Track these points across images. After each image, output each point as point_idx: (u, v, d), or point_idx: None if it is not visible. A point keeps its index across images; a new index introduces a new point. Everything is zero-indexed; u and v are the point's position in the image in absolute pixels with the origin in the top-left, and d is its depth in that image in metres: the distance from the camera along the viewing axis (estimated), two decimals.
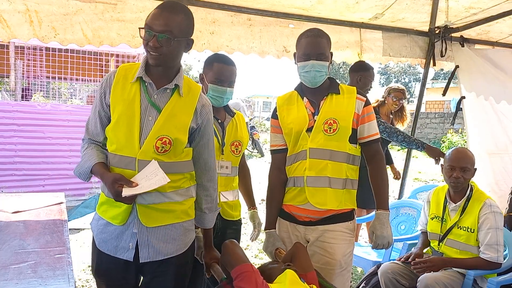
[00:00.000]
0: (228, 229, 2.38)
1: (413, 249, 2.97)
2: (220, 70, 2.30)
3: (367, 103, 2.23)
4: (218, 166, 2.25)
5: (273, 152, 2.34)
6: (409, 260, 2.81)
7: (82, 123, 6.62)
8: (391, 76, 39.43)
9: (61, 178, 6.38)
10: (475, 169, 2.81)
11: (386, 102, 4.19)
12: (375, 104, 4.22)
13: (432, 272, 2.68)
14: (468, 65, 4.41)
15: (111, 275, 1.87)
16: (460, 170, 2.75)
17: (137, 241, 1.79)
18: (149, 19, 1.72)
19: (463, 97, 4.37)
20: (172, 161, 1.80)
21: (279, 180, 2.29)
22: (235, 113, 2.45)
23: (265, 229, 2.31)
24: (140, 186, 1.67)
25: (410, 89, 40.22)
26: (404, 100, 4.21)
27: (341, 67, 34.08)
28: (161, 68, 1.79)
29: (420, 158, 14.75)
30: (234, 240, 2.00)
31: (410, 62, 4.51)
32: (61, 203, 3.04)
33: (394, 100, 4.13)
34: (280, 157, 2.30)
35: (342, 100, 2.20)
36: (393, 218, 3.82)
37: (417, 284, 2.64)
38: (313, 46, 2.15)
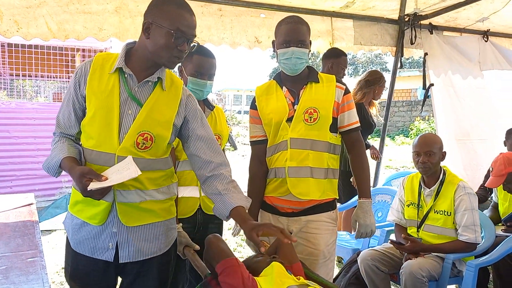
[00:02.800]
0: (210, 223, 2.33)
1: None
2: (200, 62, 2.22)
3: (347, 91, 2.20)
4: None
5: (253, 143, 2.29)
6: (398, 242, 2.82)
7: (49, 121, 6.39)
8: (359, 66, 39.93)
9: (29, 179, 6.18)
10: (444, 152, 2.83)
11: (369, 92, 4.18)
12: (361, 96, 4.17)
13: (411, 258, 2.71)
14: (436, 52, 4.48)
15: (89, 278, 1.76)
16: (425, 154, 2.77)
17: (117, 241, 1.70)
18: (182, 24, 1.61)
19: (432, 85, 4.44)
20: (153, 158, 1.71)
21: (259, 172, 2.25)
22: (214, 107, 2.39)
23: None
24: (110, 179, 1.56)
25: None
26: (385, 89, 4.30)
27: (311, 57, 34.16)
28: (146, 64, 1.69)
29: (390, 146, 15.04)
30: (218, 235, 1.95)
31: (381, 50, 4.55)
32: (31, 204, 2.92)
33: (379, 87, 4.17)
34: (260, 148, 2.25)
35: (321, 88, 2.17)
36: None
37: (401, 271, 2.66)
38: (294, 32, 2.10)
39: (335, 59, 3.77)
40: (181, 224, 2.13)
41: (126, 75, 1.69)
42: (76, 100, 1.70)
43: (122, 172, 1.58)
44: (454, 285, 3.00)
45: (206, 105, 2.35)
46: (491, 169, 3.22)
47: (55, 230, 5.29)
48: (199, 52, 2.21)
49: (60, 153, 1.67)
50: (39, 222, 5.97)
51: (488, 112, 4.85)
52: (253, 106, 2.27)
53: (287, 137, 2.12)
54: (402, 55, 4.53)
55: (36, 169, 6.15)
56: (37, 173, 6.16)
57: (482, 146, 4.75)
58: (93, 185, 1.53)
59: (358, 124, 2.23)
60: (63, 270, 2.01)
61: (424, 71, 4.50)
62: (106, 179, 1.56)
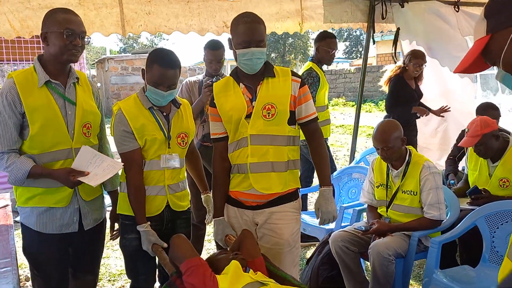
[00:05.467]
0: (178, 219, 2.40)
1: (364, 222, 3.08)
2: (159, 73, 2.16)
3: (302, 83, 2.24)
4: (165, 160, 2.26)
5: (214, 140, 2.33)
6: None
7: None
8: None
9: None
10: (404, 138, 2.87)
11: (407, 68, 4.38)
12: (398, 71, 4.40)
13: (379, 238, 2.82)
14: (408, 26, 4.48)
15: (54, 252, 2.18)
16: (383, 149, 2.84)
17: (80, 215, 2.20)
18: (70, 24, 2.04)
19: (394, 54, 4.51)
20: (95, 144, 2.25)
21: (223, 168, 2.30)
22: (181, 104, 2.39)
23: (213, 217, 2.34)
24: (94, 173, 2.06)
25: (354, 53, 40.77)
26: (424, 65, 4.38)
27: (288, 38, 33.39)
28: (59, 66, 2.09)
29: (374, 113, 15.14)
30: (182, 235, 2.04)
31: (352, 27, 4.54)
32: (6, 206, 2.94)
33: (415, 66, 4.32)
34: (222, 145, 2.30)
35: (278, 83, 2.20)
36: (345, 184, 3.95)
37: (369, 251, 2.76)
38: (253, 33, 2.11)
39: (321, 42, 3.93)
40: (149, 223, 2.20)
41: (53, 84, 2.09)
42: (15, 119, 2.01)
43: (98, 164, 2.10)
44: (423, 259, 3.12)
45: (172, 102, 2.36)
46: (466, 130, 3.28)
47: None
48: (159, 62, 2.16)
49: (25, 166, 2.01)
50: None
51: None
52: (212, 104, 2.28)
53: (246, 134, 2.17)
54: (373, 31, 4.53)
55: None
56: None
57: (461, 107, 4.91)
58: (84, 180, 2.03)
59: (316, 115, 2.29)
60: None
61: (395, 46, 4.54)
62: (88, 173, 2.06)
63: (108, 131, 2.41)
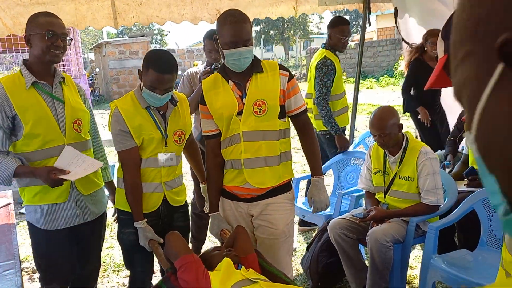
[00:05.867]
0: (176, 213, 2.45)
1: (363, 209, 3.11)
2: (153, 78, 2.15)
3: (291, 76, 2.27)
4: (161, 158, 2.30)
5: (206, 138, 2.35)
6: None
7: None
8: None
9: None
10: (401, 124, 2.86)
11: (426, 48, 4.20)
12: (417, 53, 4.24)
13: (377, 225, 2.85)
14: (405, 5, 4.42)
15: (63, 246, 2.32)
16: (379, 136, 2.84)
17: (80, 208, 2.33)
18: (51, 26, 2.14)
19: (403, 40, 4.45)
20: (87, 139, 2.39)
21: (215, 164, 2.33)
22: (177, 101, 2.40)
23: (208, 212, 2.39)
24: (74, 172, 2.13)
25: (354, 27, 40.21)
26: None
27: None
28: (44, 67, 2.20)
29: (375, 89, 15.05)
30: (176, 232, 2.10)
31: (348, 8, 4.49)
32: (8, 204, 2.97)
33: (433, 45, 4.07)
34: (214, 142, 2.32)
35: (266, 78, 2.22)
36: (344, 169, 3.97)
37: (367, 238, 2.80)
38: (240, 33, 2.11)
39: (333, 29, 3.79)
40: (145, 220, 2.25)
41: (40, 85, 2.20)
42: (4, 122, 2.12)
43: (78, 164, 2.17)
44: (420, 244, 3.16)
45: (170, 100, 2.36)
46: None
47: None
48: (154, 67, 2.15)
49: (10, 165, 2.10)
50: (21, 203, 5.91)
51: None
52: (202, 102, 2.29)
53: (239, 131, 2.19)
54: (369, 12, 4.47)
55: None
56: None
57: None
58: (65, 176, 2.10)
59: (305, 107, 2.32)
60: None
61: (396, 26, 4.48)
62: (69, 172, 2.12)
63: (106, 127, 2.44)
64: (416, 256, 3.56)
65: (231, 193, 2.33)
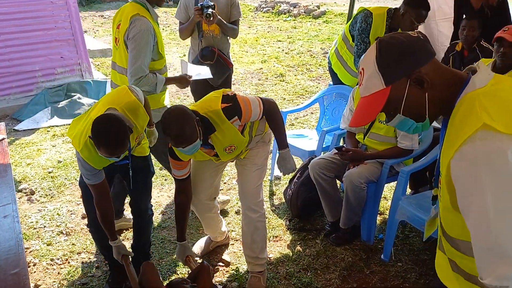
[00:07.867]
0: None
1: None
2: (106, 155, 2.12)
3: (237, 112, 2.36)
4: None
5: (176, 180, 2.57)
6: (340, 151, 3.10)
7: (15, 15, 5.95)
8: None
9: (4, 77, 6.14)
10: None
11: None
12: None
13: (353, 167, 3.02)
14: None
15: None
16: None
17: None
18: None
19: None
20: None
21: (183, 204, 2.59)
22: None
23: (177, 240, 2.64)
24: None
25: None
26: None
27: None
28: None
29: None
30: (151, 263, 2.44)
31: None
32: (3, 139, 2.90)
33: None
34: (184, 183, 2.56)
35: (223, 132, 2.37)
36: (329, 103, 4.06)
37: (343, 179, 2.99)
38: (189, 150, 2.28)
39: (411, 9, 3.30)
40: (120, 238, 2.57)
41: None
42: (152, 49, 2.81)
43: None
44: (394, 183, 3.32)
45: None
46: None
47: (37, 129, 5.48)
48: (102, 148, 2.08)
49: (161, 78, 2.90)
50: (21, 120, 6.08)
51: None
52: (176, 158, 2.44)
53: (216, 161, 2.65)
54: None
55: (8, 67, 6.08)
56: (11, 71, 6.11)
57: (447, 25, 4.76)
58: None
59: (262, 106, 2.46)
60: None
61: None
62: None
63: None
64: (391, 187, 3.76)
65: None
